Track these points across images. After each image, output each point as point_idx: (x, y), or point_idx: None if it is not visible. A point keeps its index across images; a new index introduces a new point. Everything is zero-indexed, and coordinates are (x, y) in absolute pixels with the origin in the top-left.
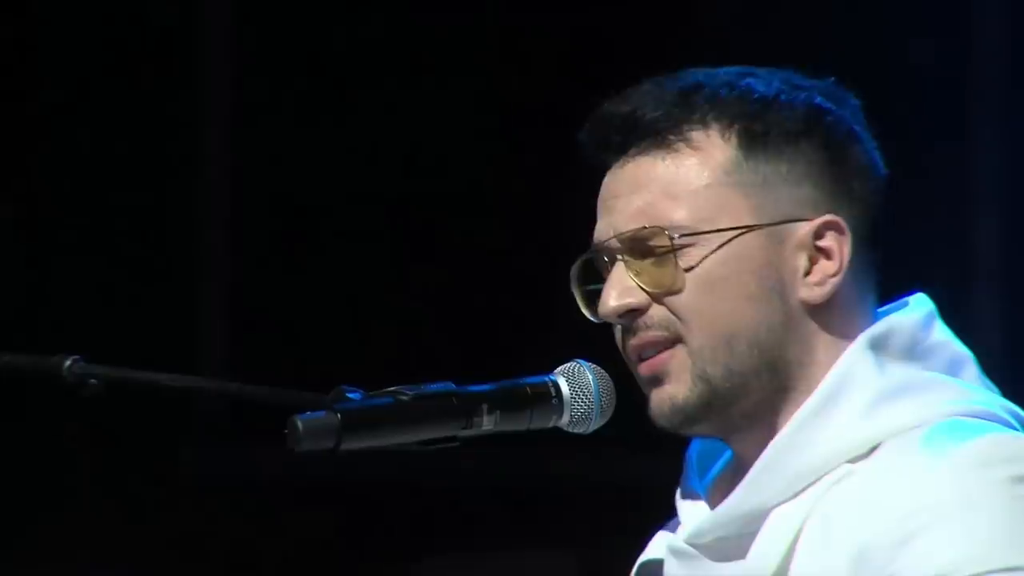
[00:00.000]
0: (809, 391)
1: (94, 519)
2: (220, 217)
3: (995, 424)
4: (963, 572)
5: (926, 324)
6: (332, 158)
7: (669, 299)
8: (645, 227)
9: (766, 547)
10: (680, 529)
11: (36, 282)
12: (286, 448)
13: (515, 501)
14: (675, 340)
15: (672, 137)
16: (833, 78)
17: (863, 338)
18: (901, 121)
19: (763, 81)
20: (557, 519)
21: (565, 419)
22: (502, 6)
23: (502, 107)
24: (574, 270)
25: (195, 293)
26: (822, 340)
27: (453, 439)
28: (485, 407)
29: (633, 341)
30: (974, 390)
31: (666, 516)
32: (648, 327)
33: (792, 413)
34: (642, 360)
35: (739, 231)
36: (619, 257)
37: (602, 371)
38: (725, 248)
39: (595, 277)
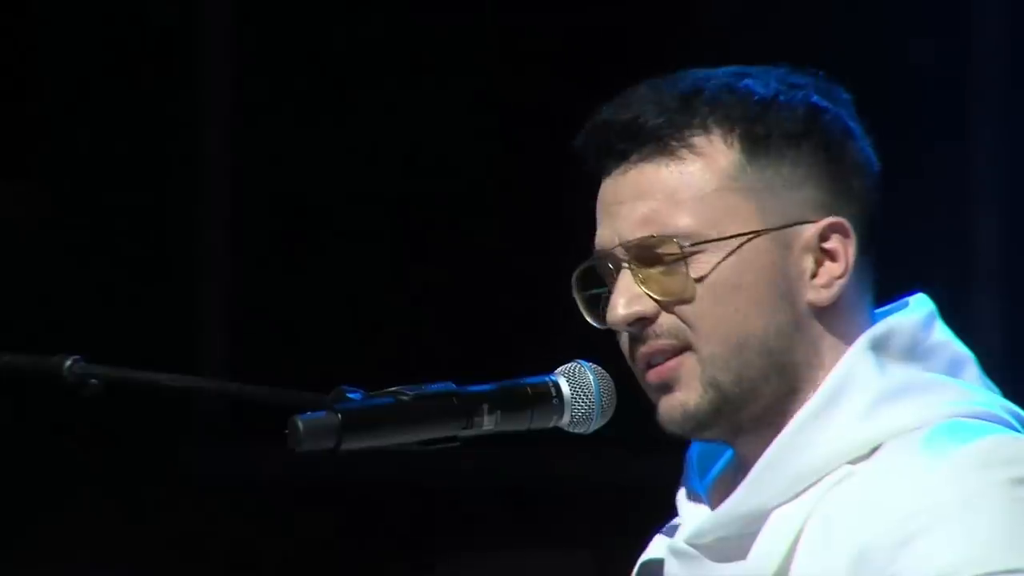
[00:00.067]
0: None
1: (94, 519)
2: (220, 217)
3: (996, 425)
4: (963, 574)
5: (927, 324)
6: (332, 158)
7: (679, 307)
8: (653, 235)
9: (767, 547)
10: (681, 529)
11: (36, 282)
12: (286, 448)
13: (516, 501)
14: (684, 347)
15: (675, 143)
16: (822, 72)
17: (864, 339)
18: (901, 121)
19: (760, 81)
20: (558, 519)
21: (566, 419)
22: (502, 6)
23: (502, 107)
24: (576, 276)
25: (195, 293)
26: (827, 341)
27: (454, 439)
28: (486, 407)
29: (643, 349)
30: (975, 391)
31: (667, 516)
32: (658, 335)
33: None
34: (650, 367)
35: (747, 236)
36: (625, 265)
37: (603, 371)
38: (735, 255)
39: (597, 282)
